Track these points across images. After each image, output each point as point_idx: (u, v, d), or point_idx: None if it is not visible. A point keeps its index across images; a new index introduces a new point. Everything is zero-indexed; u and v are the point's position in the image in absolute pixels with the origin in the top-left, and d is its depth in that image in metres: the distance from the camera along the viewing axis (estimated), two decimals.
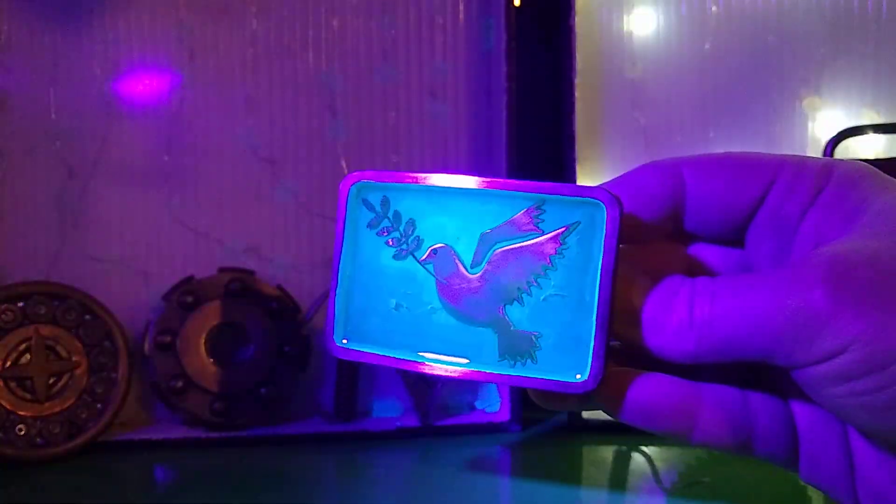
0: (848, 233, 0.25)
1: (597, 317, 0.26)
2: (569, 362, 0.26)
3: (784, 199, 0.27)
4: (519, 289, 0.27)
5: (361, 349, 0.28)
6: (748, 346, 0.25)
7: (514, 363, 0.27)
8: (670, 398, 0.27)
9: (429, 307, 0.27)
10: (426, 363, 0.27)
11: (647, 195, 0.28)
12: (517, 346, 0.27)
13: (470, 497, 0.54)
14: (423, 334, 0.27)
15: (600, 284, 0.26)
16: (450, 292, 0.27)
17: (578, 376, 0.26)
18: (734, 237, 0.29)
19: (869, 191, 0.26)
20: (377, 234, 0.28)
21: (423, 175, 0.28)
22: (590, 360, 0.26)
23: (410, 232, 0.28)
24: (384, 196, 0.28)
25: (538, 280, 0.27)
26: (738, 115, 0.72)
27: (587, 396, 0.26)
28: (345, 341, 0.28)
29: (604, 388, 0.26)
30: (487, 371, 0.27)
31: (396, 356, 0.27)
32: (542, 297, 0.27)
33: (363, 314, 0.28)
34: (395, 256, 0.28)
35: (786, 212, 0.27)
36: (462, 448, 0.66)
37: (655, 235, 0.29)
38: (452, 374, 0.27)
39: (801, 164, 0.27)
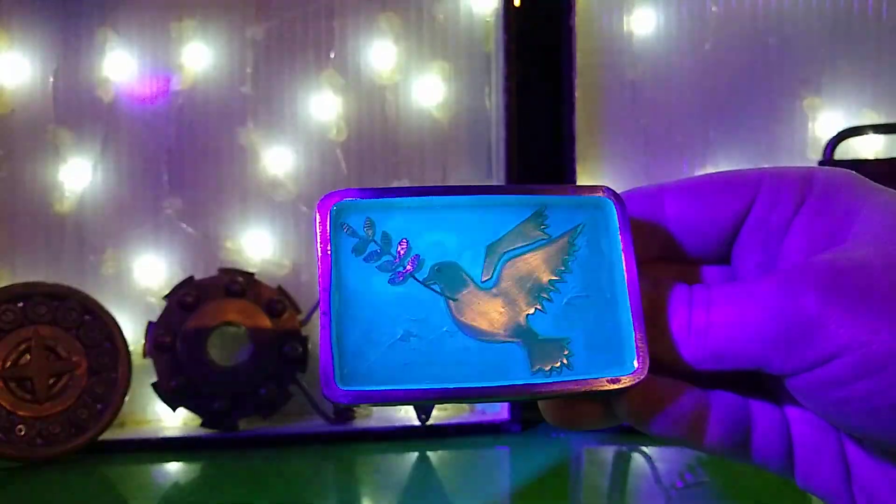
0: (835, 240, 0.25)
1: (631, 307, 0.25)
2: (606, 360, 0.25)
3: (767, 213, 0.27)
4: (539, 296, 0.26)
5: (368, 388, 0.25)
6: (744, 353, 0.25)
7: (550, 373, 0.25)
8: (690, 406, 0.27)
9: (443, 330, 0.25)
10: (455, 389, 0.25)
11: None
12: (549, 355, 0.25)
13: (470, 497, 0.54)
14: (441, 361, 0.25)
15: (627, 276, 0.25)
16: (464, 311, 0.25)
17: (636, 363, 0.25)
18: (720, 256, 0.29)
19: (852, 198, 0.26)
20: (365, 260, 0.25)
21: (409, 189, 0.26)
22: (633, 350, 0.25)
23: (405, 253, 0.25)
24: (367, 218, 0.25)
25: (556, 285, 0.26)
26: (738, 116, 0.72)
27: (623, 401, 0.26)
28: (345, 384, 0.25)
29: (639, 396, 0.26)
30: (524, 385, 0.25)
31: (415, 389, 0.25)
32: (564, 301, 0.26)
33: (361, 351, 0.25)
34: (391, 282, 0.25)
35: (770, 225, 0.27)
36: (462, 448, 0.66)
37: (643, 259, 0.29)
38: (487, 397, 0.25)
39: (781, 176, 0.27)
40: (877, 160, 0.71)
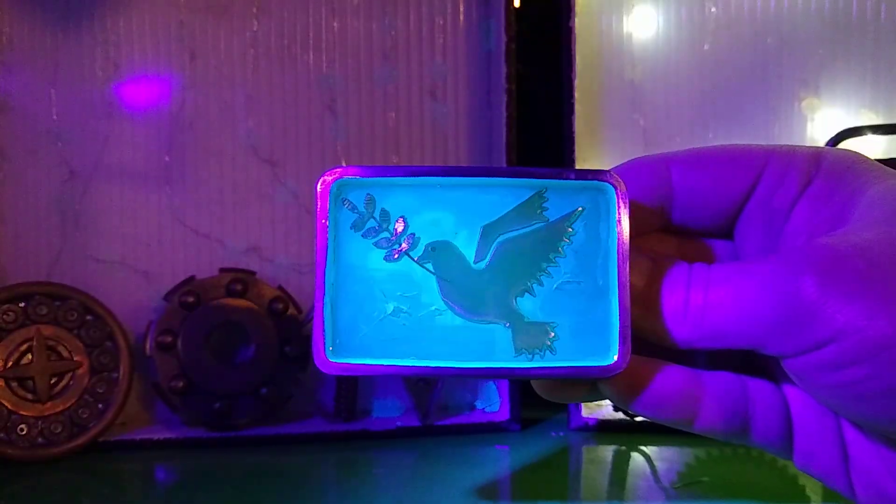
0: (838, 224, 0.25)
1: (619, 298, 0.25)
2: (590, 348, 0.25)
3: (772, 192, 0.27)
4: (530, 279, 0.26)
5: (356, 362, 0.25)
6: (740, 334, 0.25)
7: (533, 356, 0.25)
8: (678, 387, 0.27)
9: (431, 308, 0.26)
10: (437, 367, 0.25)
11: (636, 190, 0.28)
12: (533, 339, 0.26)
13: (470, 497, 0.54)
14: (427, 338, 0.26)
15: (618, 265, 0.25)
16: (454, 290, 0.26)
17: (615, 358, 0.25)
18: (723, 230, 0.29)
19: (858, 181, 0.26)
20: (363, 235, 0.26)
21: (412, 168, 0.26)
22: (617, 340, 0.25)
23: (402, 230, 0.26)
24: (368, 194, 0.26)
25: (549, 269, 0.26)
26: (738, 116, 0.72)
27: (605, 383, 0.26)
28: (336, 356, 0.25)
29: (622, 377, 0.26)
30: (505, 367, 0.25)
31: (400, 364, 0.25)
32: (554, 286, 0.26)
33: (354, 324, 0.26)
34: (386, 258, 0.26)
35: (775, 204, 0.27)
36: (462, 448, 0.66)
37: (645, 230, 0.29)
38: (468, 376, 0.26)
39: (789, 156, 0.27)
40: (876, 161, 0.71)
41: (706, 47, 0.72)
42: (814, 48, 0.72)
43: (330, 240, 0.26)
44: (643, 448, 0.63)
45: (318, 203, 0.26)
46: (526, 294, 0.26)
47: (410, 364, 0.26)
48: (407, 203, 0.26)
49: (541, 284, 0.26)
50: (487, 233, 0.26)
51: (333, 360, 0.26)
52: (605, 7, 0.72)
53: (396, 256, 0.26)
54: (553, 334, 0.26)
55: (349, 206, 0.26)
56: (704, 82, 0.72)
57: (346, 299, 0.26)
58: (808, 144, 0.72)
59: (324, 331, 0.26)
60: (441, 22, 0.73)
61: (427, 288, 0.26)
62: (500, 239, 0.26)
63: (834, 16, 0.72)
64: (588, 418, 0.68)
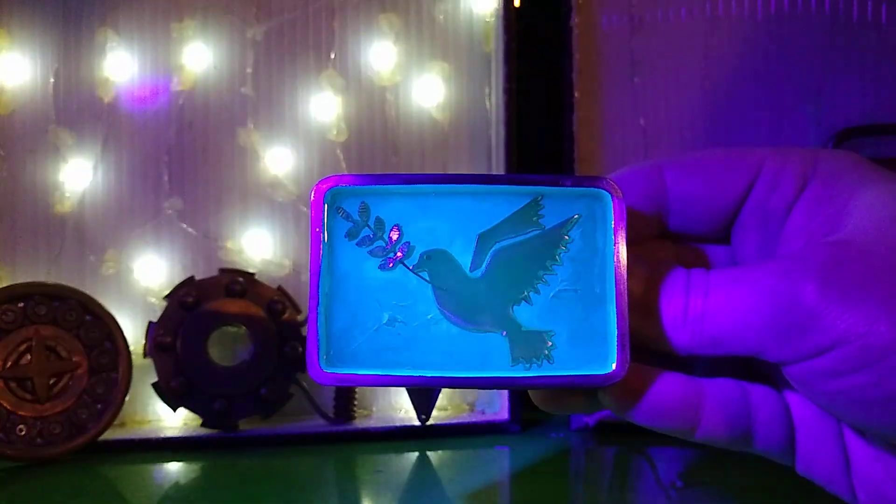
0: (835, 228, 0.25)
1: (616, 305, 0.25)
2: (588, 356, 0.25)
3: (768, 195, 0.27)
4: (527, 287, 0.26)
5: (351, 372, 0.25)
6: (740, 341, 0.25)
7: (530, 365, 0.25)
8: (677, 395, 0.26)
9: (427, 318, 0.26)
10: (433, 377, 0.25)
11: (631, 198, 0.28)
12: (531, 348, 0.25)
13: (470, 498, 0.54)
14: (423, 348, 0.25)
15: (616, 272, 0.25)
16: (450, 299, 0.25)
17: (614, 366, 0.25)
18: (720, 234, 0.29)
19: (855, 183, 0.26)
20: (357, 244, 0.26)
21: (406, 176, 0.26)
22: (615, 349, 0.25)
23: (397, 239, 0.26)
24: (362, 202, 0.26)
25: (546, 277, 0.26)
26: (738, 117, 0.72)
27: (604, 392, 0.26)
28: (330, 366, 0.25)
29: (620, 386, 0.26)
30: (503, 377, 0.25)
31: (395, 375, 0.25)
32: (551, 294, 0.26)
33: (348, 334, 0.25)
34: (381, 267, 0.26)
35: (771, 207, 0.27)
36: (462, 448, 0.66)
37: (642, 237, 0.29)
38: (464, 386, 0.26)
39: (784, 158, 0.27)
40: (877, 161, 0.71)
41: (707, 47, 0.72)
42: (815, 50, 0.72)
43: (324, 249, 0.26)
44: (644, 449, 0.63)
45: (312, 212, 0.26)
46: (523, 302, 0.26)
47: (406, 374, 0.25)
48: (402, 211, 0.26)
49: (538, 293, 0.26)
50: (483, 241, 0.26)
51: (327, 371, 0.25)
52: (605, 6, 0.72)
53: (391, 265, 0.26)
54: (551, 343, 0.26)
55: (343, 215, 0.26)
56: (705, 84, 0.72)
57: (340, 309, 0.26)
58: (808, 145, 0.73)
59: (317, 341, 0.25)
60: (441, 21, 0.73)
61: (423, 297, 0.26)
62: (496, 247, 0.26)
63: (835, 15, 0.72)
64: (589, 419, 0.68)
